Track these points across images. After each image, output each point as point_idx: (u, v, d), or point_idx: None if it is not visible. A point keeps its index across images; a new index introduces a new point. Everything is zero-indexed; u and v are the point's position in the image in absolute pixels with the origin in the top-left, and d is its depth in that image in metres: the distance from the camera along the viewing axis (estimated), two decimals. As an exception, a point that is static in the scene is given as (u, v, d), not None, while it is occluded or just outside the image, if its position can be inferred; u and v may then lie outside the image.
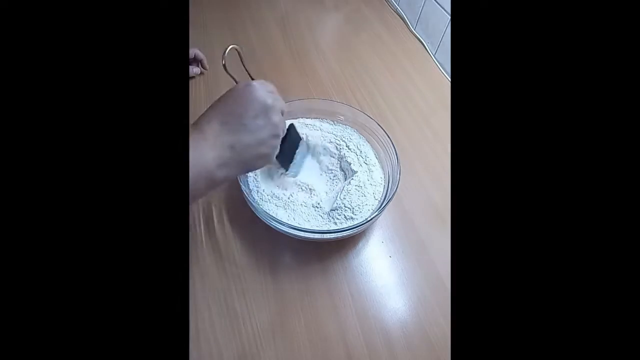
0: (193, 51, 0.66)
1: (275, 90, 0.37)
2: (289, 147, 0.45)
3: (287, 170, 0.48)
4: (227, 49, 0.36)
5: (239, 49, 0.37)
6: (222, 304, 0.42)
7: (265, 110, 0.34)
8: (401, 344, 0.41)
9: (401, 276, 0.46)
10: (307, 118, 0.56)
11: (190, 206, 0.48)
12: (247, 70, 0.41)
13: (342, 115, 0.56)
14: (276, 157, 0.42)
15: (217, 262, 0.46)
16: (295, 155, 0.47)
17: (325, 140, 0.54)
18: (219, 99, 0.35)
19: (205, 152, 0.31)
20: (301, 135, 0.49)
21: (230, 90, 0.35)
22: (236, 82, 0.37)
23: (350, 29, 0.84)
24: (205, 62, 0.68)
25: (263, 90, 0.35)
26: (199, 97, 0.65)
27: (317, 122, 0.56)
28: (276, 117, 0.35)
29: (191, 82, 0.67)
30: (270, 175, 0.50)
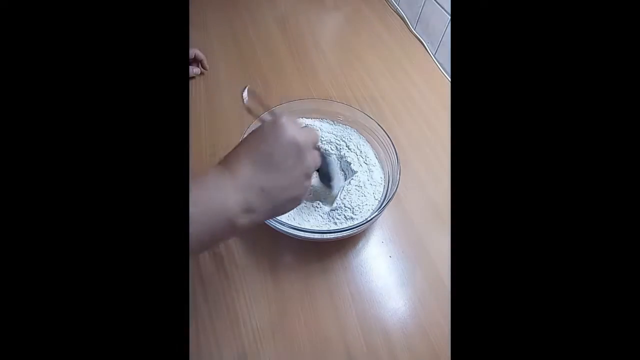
0: (193, 51, 0.66)
1: (300, 123, 0.34)
2: (324, 167, 0.42)
3: (331, 188, 0.45)
4: (243, 91, 0.33)
5: (255, 90, 0.34)
6: (222, 304, 0.42)
7: (297, 149, 0.31)
8: (401, 344, 0.41)
9: (401, 276, 0.46)
10: (307, 118, 0.56)
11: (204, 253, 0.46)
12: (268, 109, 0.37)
13: (342, 115, 0.56)
14: (320, 180, 0.40)
15: (217, 262, 0.46)
16: (331, 173, 0.44)
17: (325, 140, 0.54)
18: (247, 138, 0.32)
19: (229, 195, 0.28)
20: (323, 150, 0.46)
21: (257, 129, 0.33)
22: (263, 120, 0.34)
23: (350, 29, 0.84)
24: (205, 62, 0.68)
25: (292, 127, 0.32)
26: (199, 97, 0.65)
27: (317, 122, 0.56)
28: (308, 156, 0.32)
29: (191, 82, 0.67)
30: None
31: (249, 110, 0.33)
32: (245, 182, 0.29)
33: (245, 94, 0.32)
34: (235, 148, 0.32)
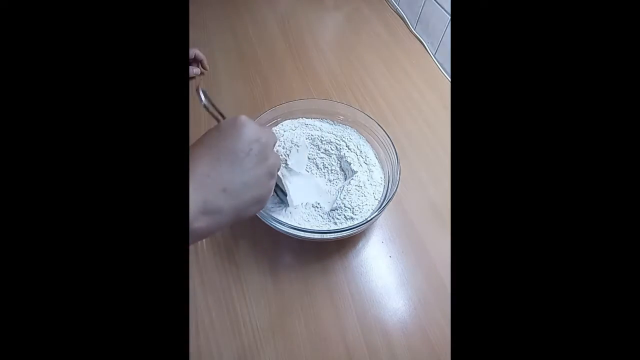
0: (193, 51, 0.66)
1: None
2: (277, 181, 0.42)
3: (287, 204, 0.46)
4: (199, 89, 0.31)
5: (205, 89, 0.32)
6: (222, 304, 0.42)
7: (260, 146, 0.30)
8: (401, 344, 0.41)
9: (401, 276, 0.46)
10: (307, 118, 0.56)
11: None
12: (218, 110, 0.34)
13: (342, 115, 0.56)
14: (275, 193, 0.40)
15: (217, 262, 0.46)
16: (283, 187, 0.44)
17: (325, 140, 0.54)
18: (205, 135, 0.30)
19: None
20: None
21: (215, 126, 0.30)
22: (221, 118, 0.33)
23: (350, 28, 0.84)
24: (205, 62, 0.68)
25: (254, 125, 0.30)
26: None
27: (317, 122, 0.56)
28: (271, 155, 0.31)
29: (191, 82, 0.67)
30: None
31: (206, 108, 0.31)
32: (202, 180, 0.26)
33: (201, 93, 0.31)
34: (191, 147, 0.29)
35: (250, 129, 0.30)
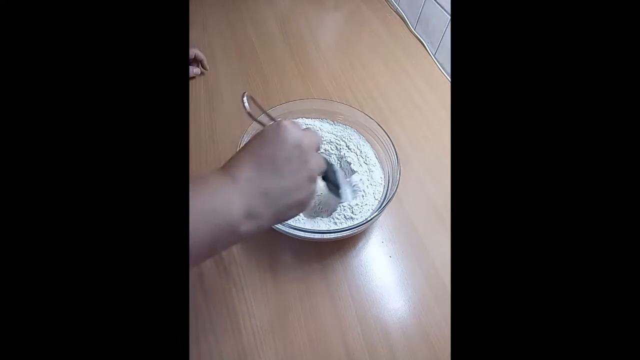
0: (193, 51, 0.66)
1: (301, 125, 0.33)
2: (330, 175, 0.42)
3: (339, 197, 0.44)
4: (243, 96, 0.31)
5: (252, 96, 0.32)
6: (222, 304, 0.42)
7: (300, 151, 0.30)
8: (401, 344, 0.41)
9: (401, 276, 0.46)
10: (307, 118, 0.56)
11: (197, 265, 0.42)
12: (268, 114, 0.35)
13: (342, 115, 0.56)
14: (328, 189, 0.41)
15: (217, 262, 0.46)
16: (338, 181, 0.43)
17: (325, 140, 0.54)
18: (248, 143, 0.31)
19: (231, 201, 0.27)
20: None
21: (258, 133, 0.31)
22: (264, 125, 0.33)
23: (350, 29, 0.84)
24: (205, 62, 0.68)
25: (295, 130, 0.31)
26: (199, 97, 0.65)
27: (317, 122, 0.56)
28: (312, 159, 0.31)
29: (191, 82, 0.67)
30: None
31: (251, 116, 0.32)
32: (247, 186, 0.28)
33: (245, 100, 0.31)
34: (236, 153, 0.31)
35: (291, 134, 0.30)
